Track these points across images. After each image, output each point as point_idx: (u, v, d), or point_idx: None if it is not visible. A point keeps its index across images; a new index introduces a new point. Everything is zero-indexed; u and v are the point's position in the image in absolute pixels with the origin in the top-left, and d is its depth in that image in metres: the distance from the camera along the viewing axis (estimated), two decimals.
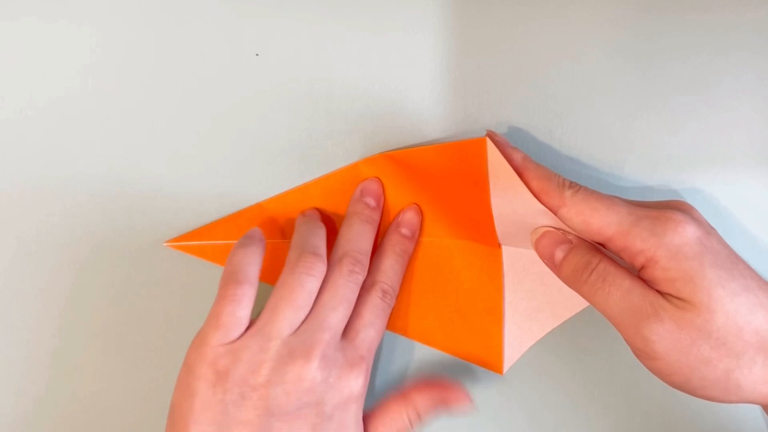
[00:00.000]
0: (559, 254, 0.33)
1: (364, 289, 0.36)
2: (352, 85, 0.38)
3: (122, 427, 0.39)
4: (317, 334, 0.33)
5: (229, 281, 0.33)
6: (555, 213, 0.32)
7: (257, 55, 0.38)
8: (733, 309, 0.29)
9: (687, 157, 0.38)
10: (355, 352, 0.34)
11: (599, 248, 0.33)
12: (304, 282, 0.33)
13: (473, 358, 0.38)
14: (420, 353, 0.39)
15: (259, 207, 0.38)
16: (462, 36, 0.38)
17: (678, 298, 0.30)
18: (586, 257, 0.32)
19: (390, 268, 0.37)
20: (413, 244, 0.38)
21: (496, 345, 0.37)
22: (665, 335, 0.30)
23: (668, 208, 0.31)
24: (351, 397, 0.33)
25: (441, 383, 0.36)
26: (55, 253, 0.38)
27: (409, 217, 0.38)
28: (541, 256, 0.34)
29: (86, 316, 0.38)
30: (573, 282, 0.33)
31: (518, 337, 0.38)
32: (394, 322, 0.38)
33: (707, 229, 0.31)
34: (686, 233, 0.30)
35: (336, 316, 0.34)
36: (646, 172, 0.39)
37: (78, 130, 0.38)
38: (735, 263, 0.30)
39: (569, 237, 0.33)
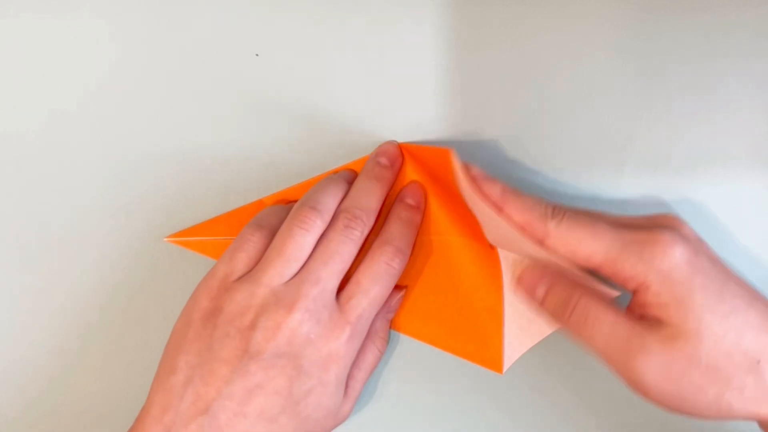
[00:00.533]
0: (539, 292, 0.34)
1: (370, 251, 0.35)
2: (351, 85, 0.38)
3: (122, 426, 0.39)
4: (304, 286, 0.33)
5: (251, 225, 0.35)
6: (540, 245, 0.33)
7: (257, 55, 0.38)
8: (722, 333, 0.29)
9: (687, 157, 0.38)
10: (343, 316, 0.34)
11: (580, 282, 0.33)
12: (296, 234, 0.34)
13: (473, 357, 0.38)
14: (418, 351, 0.39)
15: (259, 203, 0.38)
16: (462, 36, 0.38)
17: (669, 324, 0.30)
18: (566, 294, 0.32)
19: (398, 230, 0.36)
20: (419, 215, 0.37)
21: (496, 344, 0.37)
22: (654, 368, 0.30)
23: (656, 227, 0.31)
24: (330, 357, 0.33)
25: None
26: (55, 252, 0.39)
27: (413, 188, 0.37)
28: (523, 296, 0.35)
29: (86, 313, 0.39)
30: (557, 319, 0.33)
31: (518, 337, 0.37)
32: (393, 320, 0.38)
33: (696, 247, 0.31)
34: (675, 256, 0.30)
35: (326, 271, 0.34)
36: (646, 172, 0.38)
37: (78, 129, 0.39)
38: (725, 282, 0.30)
39: (547, 273, 0.34)
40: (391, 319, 0.38)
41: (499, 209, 0.33)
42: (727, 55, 0.38)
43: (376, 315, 0.36)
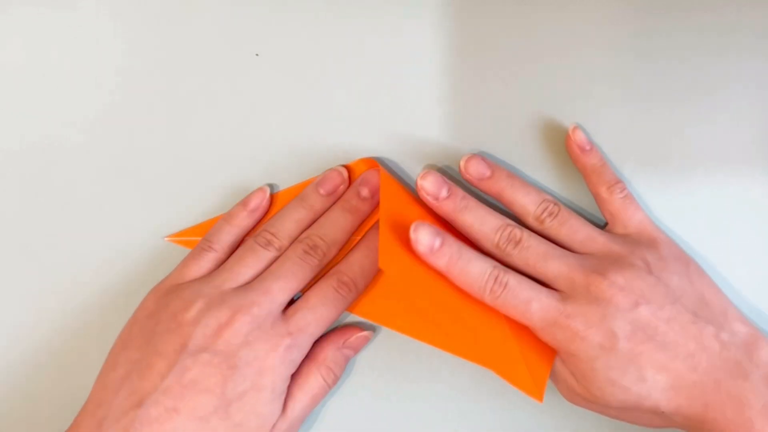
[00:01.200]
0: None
1: (327, 274, 0.36)
2: (352, 85, 0.39)
3: None
4: (254, 294, 0.34)
5: (206, 240, 0.37)
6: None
7: (257, 55, 0.38)
8: (623, 399, 0.33)
9: (687, 157, 0.38)
10: (284, 327, 0.34)
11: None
12: (256, 249, 0.36)
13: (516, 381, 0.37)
14: (418, 351, 0.39)
15: None
16: (462, 36, 0.38)
17: (581, 387, 0.34)
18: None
19: (359, 262, 0.37)
20: None
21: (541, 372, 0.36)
22: (579, 405, 0.36)
23: (589, 293, 0.33)
24: (266, 365, 0.33)
25: (339, 330, 0.37)
26: (55, 252, 0.39)
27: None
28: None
29: (86, 313, 0.39)
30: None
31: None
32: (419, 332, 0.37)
33: (612, 328, 0.33)
34: (583, 345, 0.33)
35: (277, 285, 0.34)
36: (646, 172, 0.38)
37: (79, 128, 0.39)
38: (634, 357, 0.33)
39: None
40: (349, 357, 0.38)
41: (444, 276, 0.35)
42: (727, 55, 0.38)
43: (331, 344, 0.36)
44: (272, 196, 0.38)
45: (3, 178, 0.39)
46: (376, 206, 0.38)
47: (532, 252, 0.34)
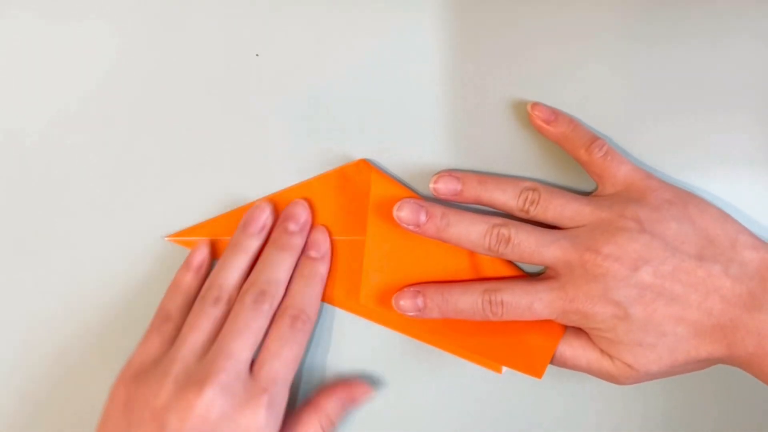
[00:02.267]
0: None
1: (276, 316, 0.36)
2: (352, 85, 0.39)
3: None
4: (216, 362, 0.33)
5: (160, 312, 0.36)
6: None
7: (257, 55, 0.38)
8: (656, 357, 0.34)
9: (687, 157, 0.38)
10: (257, 384, 0.34)
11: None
12: (207, 311, 0.35)
13: (514, 364, 0.37)
14: (418, 351, 0.39)
15: (259, 203, 0.39)
16: (462, 35, 0.38)
17: (617, 359, 0.35)
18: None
19: (299, 290, 0.36)
20: (325, 264, 0.38)
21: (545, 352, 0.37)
22: (627, 381, 0.35)
23: (581, 284, 0.34)
24: (250, 429, 0.33)
25: (343, 384, 0.37)
26: (55, 252, 0.39)
27: (315, 238, 0.38)
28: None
29: (86, 313, 0.39)
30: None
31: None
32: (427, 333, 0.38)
33: (618, 298, 0.33)
34: (597, 320, 0.34)
35: (236, 345, 0.34)
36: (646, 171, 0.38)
37: (78, 128, 0.39)
38: (650, 316, 0.33)
39: None
40: (349, 410, 0.37)
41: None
42: (727, 55, 0.38)
43: (335, 396, 0.36)
44: (267, 199, 0.39)
45: (3, 178, 0.39)
46: (306, 237, 0.38)
47: (524, 246, 0.35)
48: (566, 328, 0.37)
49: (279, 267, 0.36)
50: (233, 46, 0.38)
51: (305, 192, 0.39)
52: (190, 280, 0.37)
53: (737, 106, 0.38)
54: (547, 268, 0.36)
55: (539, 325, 0.37)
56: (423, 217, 0.36)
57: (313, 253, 0.37)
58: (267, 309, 0.35)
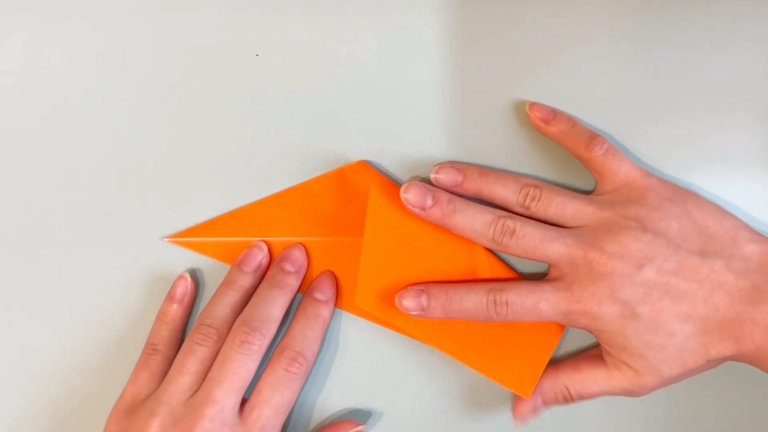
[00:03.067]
0: (539, 406, 0.37)
1: (272, 357, 0.36)
2: (352, 85, 0.38)
3: None
4: (201, 408, 0.33)
5: (148, 345, 0.37)
6: None
7: (257, 55, 0.38)
8: (666, 358, 0.34)
9: (687, 157, 0.38)
10: (245, 430, 0.34)
11: (555, 376, 0.36)
12: (195, 350, 0.35)
13: (504, 381, 0.37)
14: (418, 352, 0.39)
15: (260, 204, 0.39)
16: (462, 36, 0.38)
17: (625, 364, 0.34)
18: (555, 395, 0.36)
19: (301, 332, 0.36)
20: (329, 309, 0.37)
21: (533, 371, 0.37)
22: (643, 391, 0.35)
23: (587, 284, 0.34)
24: None
25: (337, 426, 0.37)
26: (55, 252, 0.39)
27: (323, 281, 0.38)
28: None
29: (86, 313, 0.39)
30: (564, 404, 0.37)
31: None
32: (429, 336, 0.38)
33: (625, 297, 0.33)
34: (605, 322, 0.34)
35: (221, 390, 0.34)
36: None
37: (79, 129, 0.39)
38: (657, 315, 0.33)
39: (532, 396, 0.37)
40: None
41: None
42: (726, 55, 0.38)
43: None
44: (267, 200, 0.39)
45: (2, 178, 0.39)
46: (301, 278, 0.38)
47: (529, 239, 0.34)
48: (564, 363, 0.37)
49: (272, 304, 0.36)
50: (233, 46, 0.38)
51: (304, 193, 0.39)
52: (174, 311, 0.37)
53: (737, 106, 0.38)
54: (550, 268, 0.36)
55: (530, 342, 0.37)
56: (429, 201, 0.35)
57: (318, 295, 0.37)
58: (257, 349, 0.35)
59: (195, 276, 0.38)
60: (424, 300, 0.35)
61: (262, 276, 0.38)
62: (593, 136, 0.36)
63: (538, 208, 0.36)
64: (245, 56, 0.38)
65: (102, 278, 0.39)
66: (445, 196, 0.35)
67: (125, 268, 0.39)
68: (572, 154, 0.37)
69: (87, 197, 0.39)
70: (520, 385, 0.36)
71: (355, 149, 0.39)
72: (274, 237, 0.38)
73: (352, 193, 0.38)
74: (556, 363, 0.37)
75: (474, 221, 0.35)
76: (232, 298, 0.36)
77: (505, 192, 0.36)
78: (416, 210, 0.35)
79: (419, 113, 0.39)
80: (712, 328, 0.33)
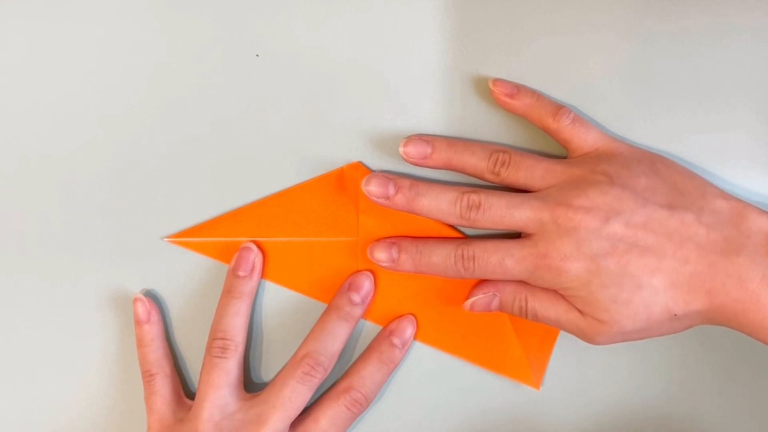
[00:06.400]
0: (494, 306, 0.36)
1: (335, 391, 0.36)
2: (352, 85, 0.38)
3: (122, 426, 0.39)
4: (253, 428, 0.34)
5: (144, 371, 0.37)
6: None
7: (257, 55, 0.38)
8: (632, 313, 0.33)
9: (687, 157, 0.38)
10: None
11: (520, 282, 0.36)
12: (217, 363, 0.36)
13: (510, 372, 0.38)
14: (417, 352, 0.39)
15: (259, 204, 0.39)
16: (462, 35, 0.38)
17: (590, 315, 0.34)
18: (512, 298, 0.36)
19: (370, 376, 0.36)
20: (402, 354, 0.37)
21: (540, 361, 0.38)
22: (600, 340, 0.34)
23: (553, 239, 0.33)
24: None
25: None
26: (55, 252, 0.39)
27: (403, 326, 0.38)
28: (483, 314, 0.37)
29: (86, 313, 0.39)
30: (518, 316, 0.36)
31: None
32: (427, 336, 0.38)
33: (590, 251, 0.33)
34: (571, 273, 0.33)
35: (276, 416, 0.34)
36: None
37: (79, 129, 0.39)
38: (623, 269, 0.33)
39: (491, 290, 0.36)
40: None
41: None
42: (726, 55, 0.38)
43: None
44: (267, 200, 0.39)
45: (2, 178, 0.39)
46: (366, 309, 0.38)
47: (495, 210, 0.34)
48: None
49: (336, 339, 0.36)
50: (233, 46, 0.38)
51: (304, 193, 0.39)
52: (147, 332, 0.38)
53: (737, 105, 0.38)
54: (522, 235, 0.36)
55: (533, 333, 0.37)
56: (392, 189, 0.35)
57: (396, 341, 0.37)
58: (317, 382, 0.35)
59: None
60: (395, 252, 0.36)
61: (259, 275, 0.38)
62: (559, 107, 0.36)
63: (509, 173, 0.35)
64: (245, 56, 0.38)
65: (102, 278, 0.39)
66: (406, 182, 0.36)
67: (125, 268, 0.39)
68: (540, 127, 0.37)
69: (87, 197, 0.39)
70: (528, 375, 0.37)
71: (354, 149, 0.39)
72: (273, 237, 0.38)
73: (351, 194, 0.38)
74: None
75: (439, 201, 0.35)
76: (236, 306, 0.37)
77: (474, 160, 0.36)
78: (381, 200, 0.35)
79: (420, 113, 0.38)
80: (681, 282, 0.33)
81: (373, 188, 0.35)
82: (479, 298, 0.36)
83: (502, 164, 0.35)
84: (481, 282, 0.36)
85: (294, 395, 0.35)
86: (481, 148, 0.36)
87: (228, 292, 0.37)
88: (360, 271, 0.38)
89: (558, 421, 0.39)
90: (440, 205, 0.35)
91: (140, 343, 0.38)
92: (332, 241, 0.38)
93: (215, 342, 0.36)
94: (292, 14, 0.38)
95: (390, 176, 0.36)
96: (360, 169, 0.38)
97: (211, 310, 0.38)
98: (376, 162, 0.39)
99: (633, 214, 0.33)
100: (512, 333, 0.37)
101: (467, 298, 0.36)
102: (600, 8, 0.38)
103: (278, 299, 0.39)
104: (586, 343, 0.35)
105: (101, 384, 0.39)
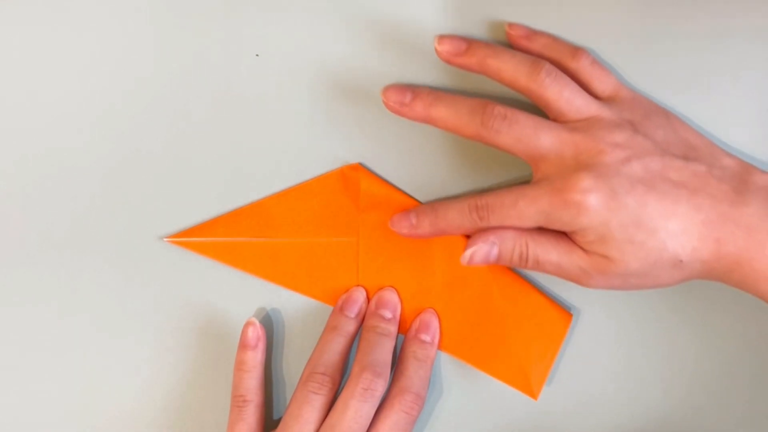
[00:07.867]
0: (493, 256, 0.35)
1: (388, 401, 0.36)
2: (352, 85, 0.38)
3: (122, 426, 0.39)
4: None
5: (236, 399, 0.37)
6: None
7: (257, 55, 0.38)
8: (644, 255, 0.33)
9: None
10: None
11: (521, 231, 0.35)
12: (311, 399, 0.35)
13: (513, 381, 0.38)
14: None
15: (259, 204, 0.39)
16: (462, 35, 0.38)
17: (600, 255, 0.33)
18: (511, 244, 0.35)
19: (415, 372, 0.37)
20: (435, 349, 0.38)
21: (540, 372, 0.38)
22: (600, 284, 0.34)
23: (574, 173, 0.33)
24: None
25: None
26: (55, 252, 0.39)
27: (427, 322, 0.38)
28: (481, 267, 0.37)
29: (86, 313, 0.39)
30: (518, 267, 0.36)
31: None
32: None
33: (612, 185, 0.33)
34: (590, 211, 0.32)
35: None
36: None
37: (79, 129, 0.39)
38: (643, 206, 0.33)
39: (490, 238, 0.35)
40: None
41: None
42: (726, 55, 0.38)
43: None
44: (267, 200, 0.39)
45: (3, 178, 0.39)
46: (398, 324, 0.38)
47: (522, 126, 0.34)
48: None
49: (384, 350, 0.37)
50: (233, 46, 0.38)
51: (304, 193, 0.39)
52: (251, 358, 0.37)
53: (737, 105, 0.38)
54: (533, 173, 0.35)
55: (536, 341, 0.37)
56: (409, 96, 0.35)
57: (424, 337, 0.37)
58: (378, 395, 0.35)
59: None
60: (413, 217, 0.36)
61: (362, 319, 0.38)
62: (577, 48, 0.36)
63: (552, 84, 0.34)
64: (245, 56, 0.38)
65: (102, 278, 0.39)
66: (425, 89, 0.35)
67: (125, 268, 0.39)
68: (560, 68, 0.36)
69: (86, 197, 0.39)
70: (528, 385, 0.37)
71: (354, 149, 0.39)
72: (273, 237, 0.38)
73: (350, 194, 0.38)
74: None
75: (460, 107, 0.34)
76: (339, 345, 0.37)
77: (515, 62, 0.35)
78: (396, 106, 0.35)
79: None
80: (692, 229, 0.33)
81: (390, 93, 0.35)
82: (478, 247, 0.35)
83: (548, 74, 0.34)
84: (479, 232, 0.35)
85: (357, 414, 0.35)
86: (522, 55, 0.35)
87: (333, 329, 0.37)
88: (383, 288, 0.38)
89: (558, 422, 0.39)
90: (460, 111, 0.34)
91: (241, 368, 0.37)
92: (332, 241, 0.38)
93: (315, 377, 0.36)
94: (292, 14, 0.38)
95: (409, 85, 0.36)
96: (360, 170, 0.38)
97: (212, 310, 0.38)
98: (376, 162, 0.39)
99: (652, 161, 0.33)
100: (515, 341, 0.37)
101: (465, 249, 0.35)
102: (600, 8, 0.38)
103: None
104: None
105: (100, 384, 0.39)
